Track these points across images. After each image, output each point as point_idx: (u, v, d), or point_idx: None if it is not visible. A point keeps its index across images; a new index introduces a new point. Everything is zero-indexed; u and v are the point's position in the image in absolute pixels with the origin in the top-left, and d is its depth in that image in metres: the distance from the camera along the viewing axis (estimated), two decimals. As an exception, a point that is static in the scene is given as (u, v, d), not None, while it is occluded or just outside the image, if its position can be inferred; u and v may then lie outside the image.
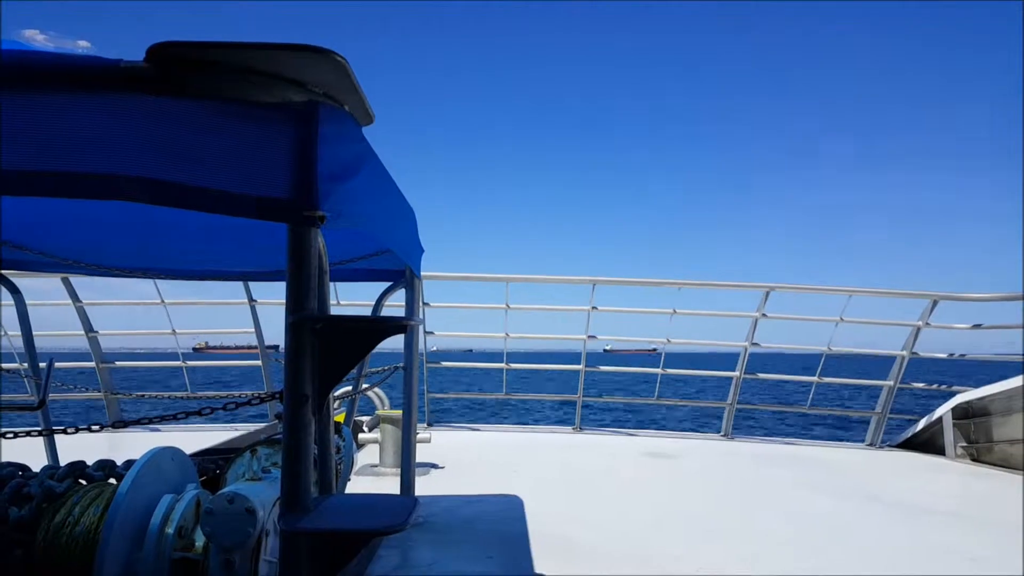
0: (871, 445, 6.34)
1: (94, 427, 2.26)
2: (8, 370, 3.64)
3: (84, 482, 2.09)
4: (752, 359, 6.60)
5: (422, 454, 4.95)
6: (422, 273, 2.86)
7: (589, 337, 6.60)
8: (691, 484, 4.41)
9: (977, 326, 6.12)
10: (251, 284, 6.01)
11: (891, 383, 6.32)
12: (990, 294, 5.99)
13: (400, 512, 1.61)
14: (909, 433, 6.35)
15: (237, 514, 1.73)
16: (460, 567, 2.59)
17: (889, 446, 6.45)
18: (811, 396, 6.62)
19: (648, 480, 4.48)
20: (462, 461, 4.91)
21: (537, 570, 2.57)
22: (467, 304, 6.77)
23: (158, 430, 6.00)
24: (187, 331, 6.48)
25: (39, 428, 2.83)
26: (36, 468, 2.18)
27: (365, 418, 6.03)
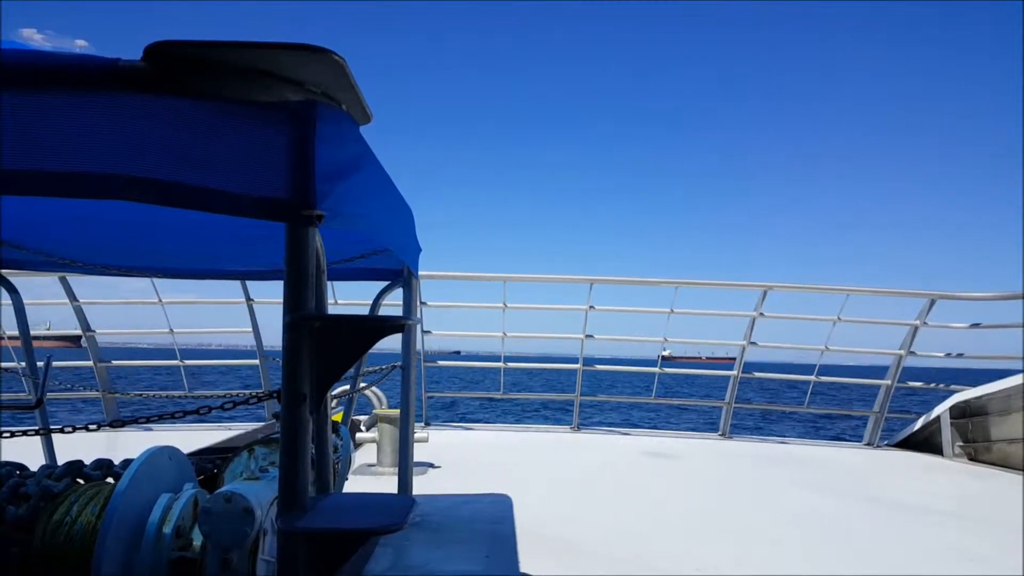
0: (869, 445, 6.35)
1: (92, 426, 2.26)
2: (7, 369, 3.63)
3: (82, 481, 2.09)
4: (747, 368, 6.61)
5: (420, 454, 4.94)
6: (420, 272, 2.86)
7: (587, 336, 6.59)
8: (689, 484, 4.41)
9: (975, 325, 6.13)
10: (249, 283, 6.00)
11: (888, 382, 6.33)
12: (988, 293, 6.00)
13: (398, 511, 1.61)
14: (907, 432, 6.36)
15: (235, 513, 1.73)
16: (457, 567, 2.58)
17: (887, 445, 6.45)
18: (808, 395, 6.63)
19: (646, 480, 4.48)
20: (460, 461, 4.91)
21: (535, 570, 2.57)
22: (464, 303, 6.77)
23: (155, 429, 5.99)
24: (184, 331, 6.48)
25: (37, 427, 2.83)
26: (34, 467, 2.18)
27: (363, 417, 6.02)
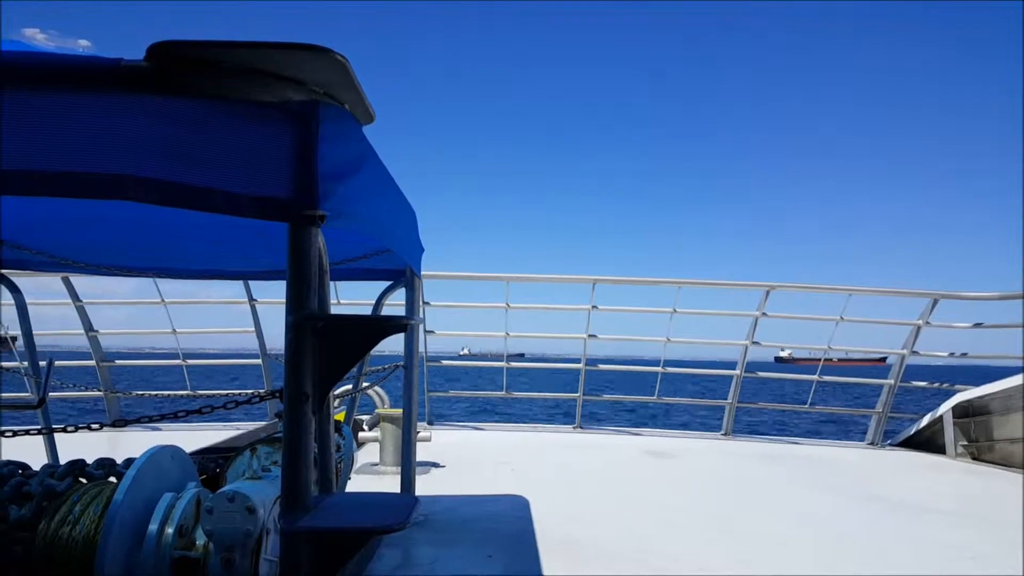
0: (872, 444, 6.34)
1: (94, 426, 2.26)
2: (8, 369, 3.64)
3: (84, 481, 2.09)
4: (750, 368, 6.61)
5: (422, 453, 4.95)
6: (422, 272, 2.86)
7: (590, 336, 6.59)
8: (692, 483, 4.40)
9: (978, 325, 6.12)
10: (251, 283, 6.01)
11: (891, 382, 6.32)
12: (990, 293, 5.99)
13: (400, 511, 1.61)
14: (910, 432, 6.35)
15: (237, 513, 1.73)
16: (460, 567, 2.59)
17: (890, 445, 6.44)
18: (811, 395, 6.62)
19: (648, 479, 4.47)
20: (462, 460, 4.91)
21: (537, 570, 2.57)
22: (467, 303, 6.77)
23: (158, 429, 6.00)
24: (187, 331, 6.49)
25: (39, 427, 2.84)
26: (36, 467, 2.18)
27: (365, 417, 6.03)
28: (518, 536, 3.00)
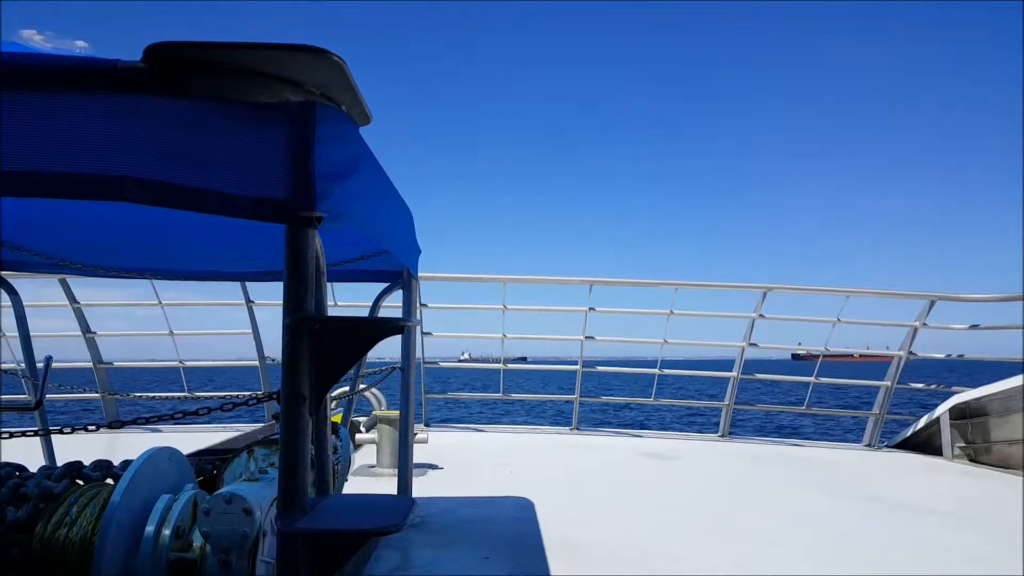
0: (869, 446, 6.35)
1: (91, 427, 2.26)
2: (6, 371, 3.63)
3: (81, 482, 2.09)
4: (746, 368, 6.61)
5: (419, 455, 4.94)
6: (419, 274, 2.86)
7: (587, 338, 6.60)
8: (689, 484, 4.41)
9: (975, 327, 6.13)
10: (248, 285, 6.00)
11: (888, 383, 6.32)
12: (988, 295, 6.00)
13: (397, 512, 1.61)
14: (907, 433, 6.36)
15: (234, 514, 1.73)
16: (458, 568, 2.59)
17: (887, 447, 6.45)
18: (808, 397, 6.63)
19: (647, 480, 4.48)
20: (459, 461, 4.91)
21: (535, 571, 2.57)
22: (464, 305, 6.77)
23: (155, 430, 5.99)
24: (184, 332, 6.48)
25: (36, 428, 2.83)
26: (33, 468, 2.18)
27: (362, 418, 6.02)
28: (516, 537, 3.00)
